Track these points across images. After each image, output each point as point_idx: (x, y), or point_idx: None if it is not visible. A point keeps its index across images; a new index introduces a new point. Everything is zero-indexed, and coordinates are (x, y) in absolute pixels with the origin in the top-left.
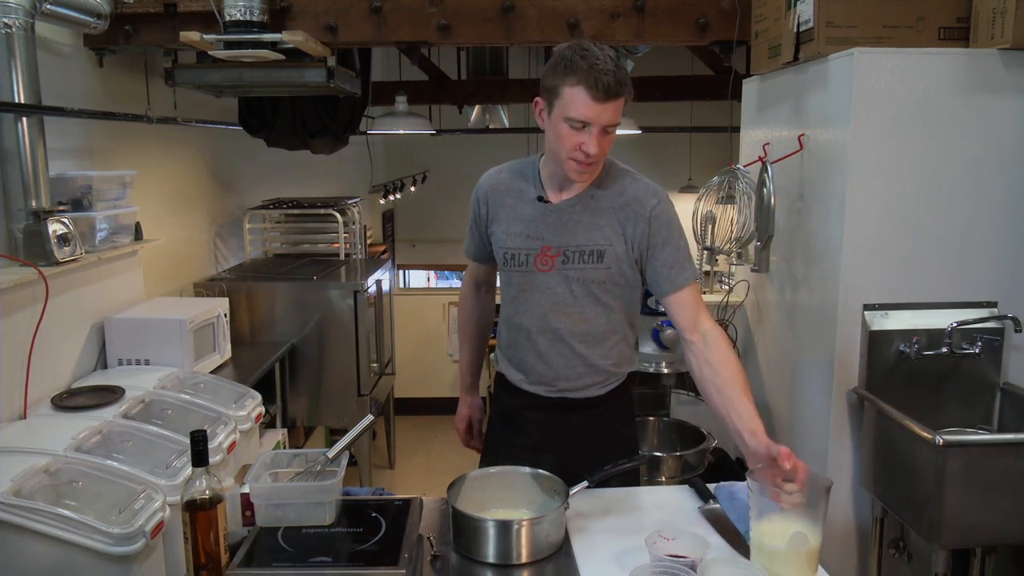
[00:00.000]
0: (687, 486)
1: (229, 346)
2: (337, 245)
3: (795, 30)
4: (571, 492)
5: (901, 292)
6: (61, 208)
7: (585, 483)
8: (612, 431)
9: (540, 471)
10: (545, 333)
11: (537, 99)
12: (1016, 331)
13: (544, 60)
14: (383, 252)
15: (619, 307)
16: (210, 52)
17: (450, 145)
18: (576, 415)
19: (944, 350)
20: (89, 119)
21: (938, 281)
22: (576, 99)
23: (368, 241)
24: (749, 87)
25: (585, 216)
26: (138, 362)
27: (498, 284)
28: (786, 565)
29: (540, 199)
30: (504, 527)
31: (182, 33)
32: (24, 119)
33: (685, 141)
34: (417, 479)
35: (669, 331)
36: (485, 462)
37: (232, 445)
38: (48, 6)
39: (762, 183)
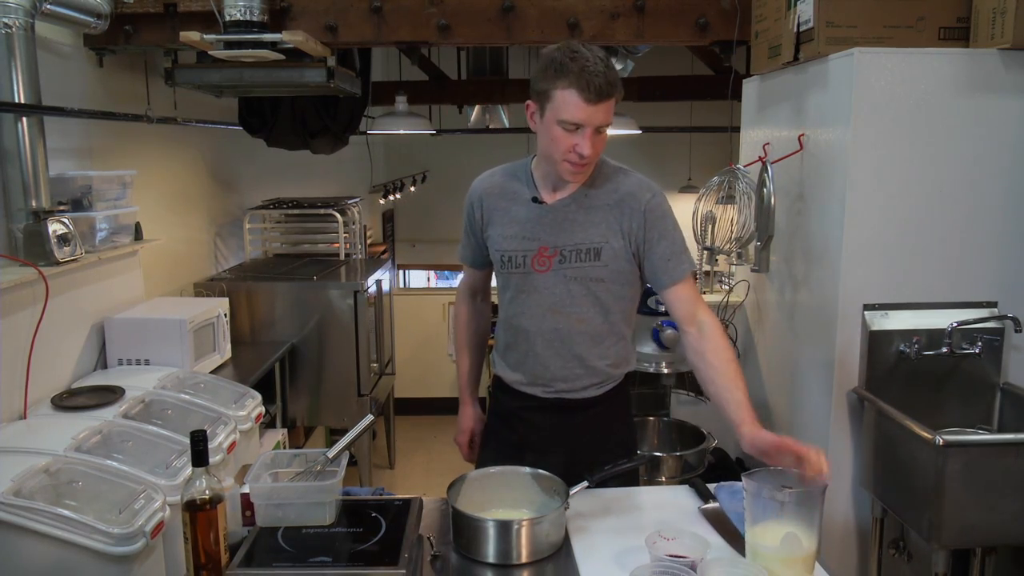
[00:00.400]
0: (687, 486)
1: (229, 346)
2: (337, 245)
3: (795, 30)
4: (571, 492)
5: (901, 292)
6: (61, 208)
7: (585, 483)
8: (610, 432)
9: (540, 471)
10: (543, 334)
11: (528, 102)
12: (1016, 331)
13: None
14: (383, 252)
15: (617, 307)
16: (210, 52)
17: (450, 145)
18: (573, 416)
19: (944, 350)
20: (89, 119)
21: (938, 281)
22: (568, 102)
23: (368, 241)
24: (749, 87)
25: (580, 215)
26: (138, 362)
27: (493, 285)
28: (779, 567)
29: (535, 200)
30: (504, 527)
31: (182, 33)
32: (24, 119)
33: (685, 141)
34: (417, 479)
35: (669, 331)
36: (482, 463)
37: (232, 445)
38: (48, 6)
39: (762, 183)
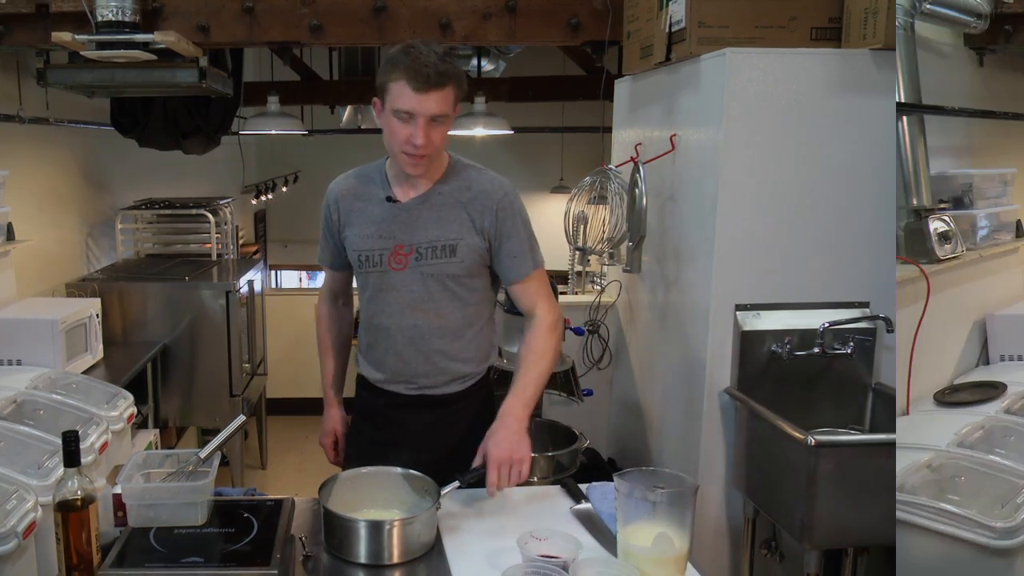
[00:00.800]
0: (559, 486)
1: (101, 346)
2: (209, 245)
3: (667, 30)
4: (443, 492)
5: (773, 292)
6: None
7: (456, 483)
8: (474, 428)
9: (411, 471)
10: (403, 331)
11: (375, 99)
12: (888, 331)
13: None
14: (255, 252)
15: (475, 301)
16: (82, 52)
17: (322, 145)
18: (436, 412)
19: (816, 350)
20: None
21: (810, 281)
22: (401, 92)
23: (240, 241)
24: (621, 87)
25: (434, 212)
26: (10, 362)
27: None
28: (651, 567)
29: (389, 199)
30: (375, 527)
31: (54, 33)
32: None
33: (557, 141)
34: (289, 479)
35: None
36: (349, 462)
37: (104, 445)
38: None
39: (634, 183)
